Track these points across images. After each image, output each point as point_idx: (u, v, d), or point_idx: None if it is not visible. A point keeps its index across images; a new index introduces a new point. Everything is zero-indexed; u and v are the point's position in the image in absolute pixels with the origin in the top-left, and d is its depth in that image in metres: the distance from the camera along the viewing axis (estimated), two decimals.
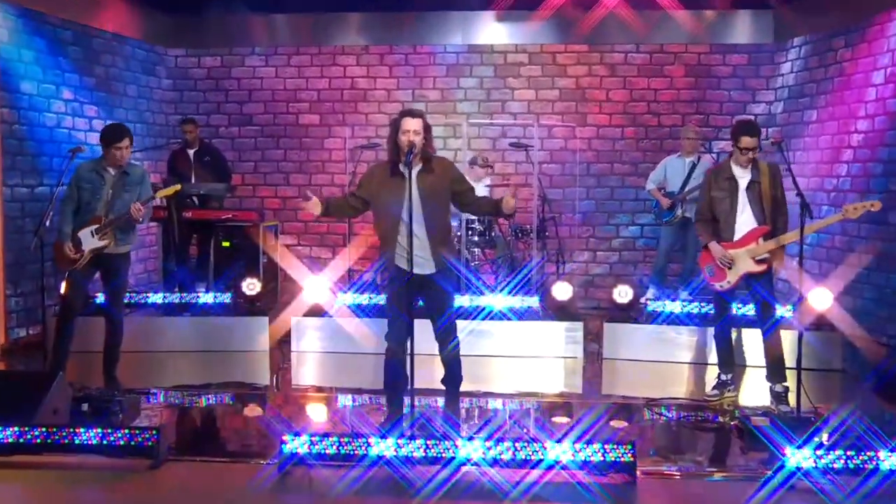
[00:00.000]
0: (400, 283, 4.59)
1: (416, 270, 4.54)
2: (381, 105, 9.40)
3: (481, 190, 8.41)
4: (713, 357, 5.82)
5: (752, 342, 6.18)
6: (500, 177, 9.05)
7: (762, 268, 5.22)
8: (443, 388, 4.92)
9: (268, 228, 8.27)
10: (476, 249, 7.85)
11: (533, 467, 4.06)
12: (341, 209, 4.93)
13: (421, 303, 4.77)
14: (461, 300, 6.79)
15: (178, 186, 5.95)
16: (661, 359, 6.58)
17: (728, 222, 5.27)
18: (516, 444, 4.08)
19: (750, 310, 5.97)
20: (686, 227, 7.57)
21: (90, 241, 5.41)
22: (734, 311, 5.82)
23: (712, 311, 5.88)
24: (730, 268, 5.27)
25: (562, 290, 7.26)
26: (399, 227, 4.55)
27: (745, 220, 5.24)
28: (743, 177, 5.25)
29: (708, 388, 5.67)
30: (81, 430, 4.30)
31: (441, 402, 5.09)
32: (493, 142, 9.31)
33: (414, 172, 4.53)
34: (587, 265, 9.19)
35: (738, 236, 5.26)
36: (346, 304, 6.99)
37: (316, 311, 7.02)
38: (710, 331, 6.16)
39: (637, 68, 9.15)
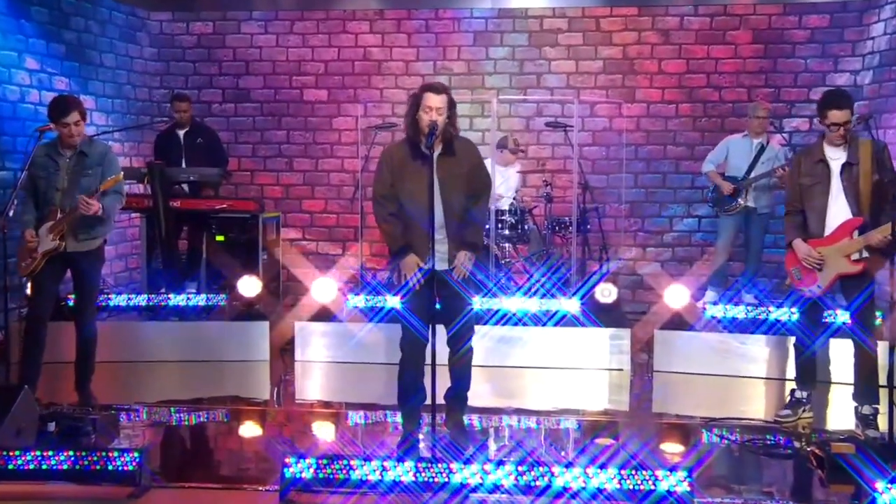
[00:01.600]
0: (418, 279, 4.64)
1: (438, 266, 4.59)
2: (398, 79, 9.41)
3: (512, 178, 8.42)
4: (785, 371, 5.74)
5: (838, 355, 5.98)
6: (535, 161, 9.04)
7: (858, 268, 5.01)
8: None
9: (268, 221, 8.30)
10: (507, 245, 7.84)
11: (573, 496, 4.02)
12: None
13: (439, 305, 4.78)
14: (489, 302, 6.79)
15: (119, 176, 5.45)
16: (722, 372, 6.52)
17: (818, 214, 5.06)
18: (552, 470, 4.05)
19: (839, 316, 5.83)
20: (749, 218, 7.51)
21: (45, 240, 5.31)
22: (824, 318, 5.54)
23: (789, 317, 5.77)
24: (820, 269, 5.08)
25: (606, 292, 7.23)
26: (420, 216, 4.56)
27: (837, 212, 5.03)
28: (836, 158, 5.04)
29: (779, 408, 5.59)
30: (50, 453, 4.24)
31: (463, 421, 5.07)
32: (527, 121, 9.30)
33: (434, 155, 4.54)
34: (635, 263, 9.15)
35: (829, 231, 5.07)
36: (358, 307, 7.00)
37: (323, 316, 7.05)
38: (779, 340, 6.09)
39: (695, 34, 9.08)
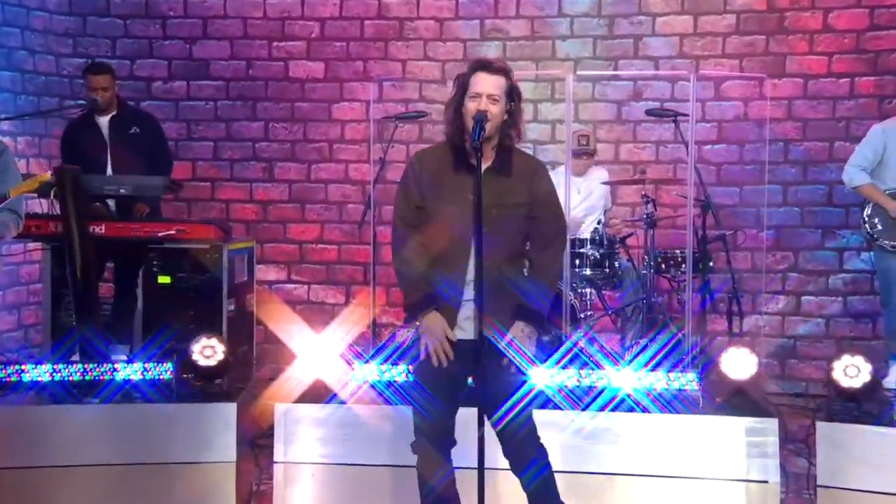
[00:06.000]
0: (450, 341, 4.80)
1: (459, 335, 4.82)
2: (427, 46, 9.59)
3: (596, 192, 8.49)
4: None
5: None
6: (629, 168, 9.11)
7: None
8: None
9: (236, 254, 8.41)
10: (588, 290, 7.90)
11: None
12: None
13: (469, 382, 4.93)
14: (560, 377, 6.83)
15: (46, 175, 5.79)
16: None
17: None
18: None
19: None
20: None
21: None
22: None
23: None
24: None
25: (739, 363, 7.20)
26: (459, 249, 4.70)
27: None
28: None
29: None
30: None
31: None
32: (618, 107, 9.46)
33: (482, 166, 4.66)
34: (784, 319, 9.21)
35: None
36: (370, 381, 7.09)
37: (317, 395, 7.11)
38: None
39: None
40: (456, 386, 4.78)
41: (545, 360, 6.25)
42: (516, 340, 4.82)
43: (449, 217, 4.76)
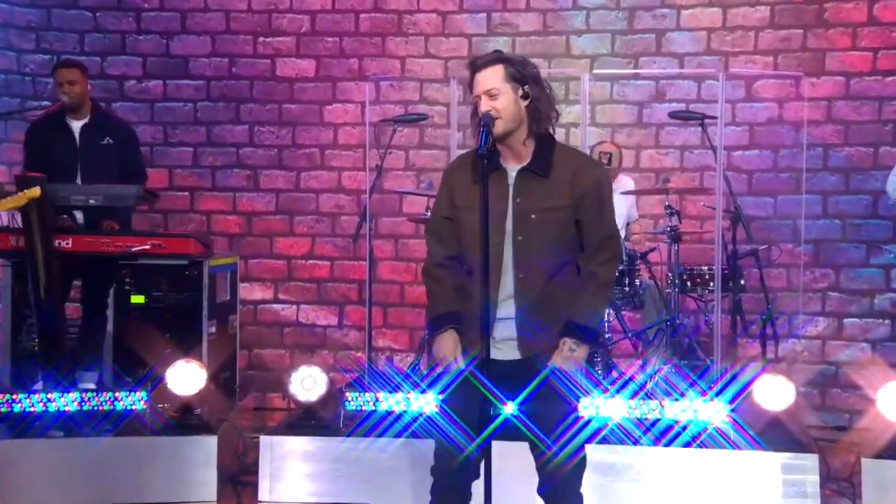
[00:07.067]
0: (473, 368, 4.72)
1: (495, 355, 4.69)
2: (428, 42, 9.62)
3: (619, 204, 8.49)
4: None
5: None
6: (651, 177, 9.11)
7: None
8: None
9: (218, 270, 8.44)
10: (607, 310, 7.91)
11: None
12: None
13: (503, 409, 4.85)
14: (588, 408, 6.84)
15: (35, 192, 5.82)
16: None
17: None
18: None
19: None
20: None
21: None
22: None
23: None
24: None
25: (774, 392, 7.20)
26: (490, 262, 4.66)
27: None
28: None
29: None
30: None
31: None
32: (639, 109, 9.46)
33: (514, 169, 4.70)
34: (825, 343, 9.21)
35: None
36: (365, 410, 7.09)
37: (307, 426, 7.12)
38: None
39: None
40: (487, 412, 4.70)
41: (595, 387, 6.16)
42: (565, 362, 4.74)
43: (478, 228, 4.61)
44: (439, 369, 4.82)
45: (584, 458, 4.87)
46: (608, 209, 4.89)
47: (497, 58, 4.72)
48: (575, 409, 4.87)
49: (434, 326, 4.85)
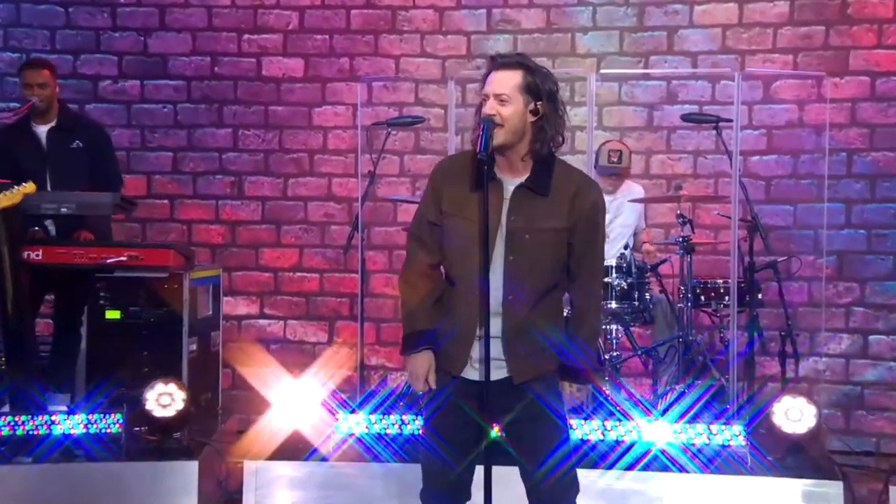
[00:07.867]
0: (458, 389, 4.80)
1: (475, 375, 4.76)
2: (424, 40, 9.69)
3: (628, 213, 8.52)
4: None
5: None
6: (662, 183, 9.13)
7: None
8: None
9: (200, 284, 8.47)
10: (615, 326, 7.96)
11: None
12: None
13: (494, 434, 4.91)
14: (582, 428, 6.87)
15: (30, 187, 5.96)
16: None
17: None
18: None
19: None
20: None
21: None
22: None
23: None
24: None
25: (795, 414, 7.22)
26: (472, 279, 4.70)
27: None
28: None
29: None
30: None
31: None
32: (649, 111, 9.51)
33: (511, 183, 4.72)
34: (849, 362, 9.23)
35: None
36: (356, 434, 7.15)
37: (294, 450, 7.16)
38: None
39: None
40: (474, 434, 4.73)
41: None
42: (570, 402, 4.87)
43: (468, 238, 4.67)
44: (423, 389, 4.89)
45: (576, 480, 4.92)
46: (602, 235, 5.00)
47: (519, 62, 4.72)
48: (566, 431, 4.94)
49: (409, 345, 4.87)
